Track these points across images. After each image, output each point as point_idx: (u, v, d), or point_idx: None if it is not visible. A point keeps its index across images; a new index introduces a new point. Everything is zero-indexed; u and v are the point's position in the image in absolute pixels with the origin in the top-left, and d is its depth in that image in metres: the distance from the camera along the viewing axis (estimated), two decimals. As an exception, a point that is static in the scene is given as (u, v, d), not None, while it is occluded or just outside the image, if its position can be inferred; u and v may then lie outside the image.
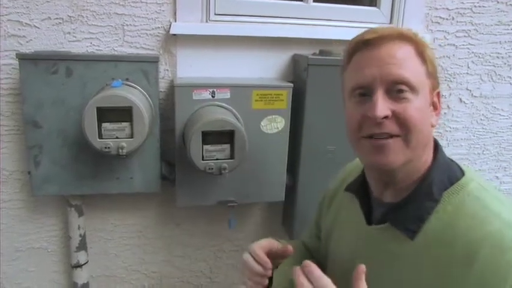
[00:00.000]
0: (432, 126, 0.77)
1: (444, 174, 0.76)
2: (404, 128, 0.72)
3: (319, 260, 1.09)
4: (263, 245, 0.88)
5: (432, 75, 0.76)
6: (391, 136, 0.73)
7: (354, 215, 0.89)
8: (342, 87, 0.84)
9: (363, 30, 0.78)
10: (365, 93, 0.75)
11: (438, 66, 0.80)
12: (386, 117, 0.72)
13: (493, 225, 0.67)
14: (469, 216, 0.69)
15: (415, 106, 0.72)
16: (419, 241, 0.73)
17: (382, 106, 0.72)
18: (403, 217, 0.76)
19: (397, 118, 0.72)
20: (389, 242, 0.79)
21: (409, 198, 0.77)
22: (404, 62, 0.73)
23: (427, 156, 0.78)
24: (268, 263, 0.86)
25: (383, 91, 0.73)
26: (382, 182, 0.81)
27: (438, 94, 0.79)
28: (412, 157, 0.74)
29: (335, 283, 1.00)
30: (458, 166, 0.80)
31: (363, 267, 0.65)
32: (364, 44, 0.76)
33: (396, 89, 0.72)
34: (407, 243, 0.74)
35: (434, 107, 0.78)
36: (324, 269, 1.05)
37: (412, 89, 0.72)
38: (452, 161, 0.81)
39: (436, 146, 0.81)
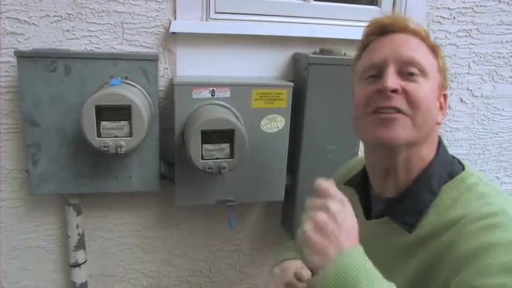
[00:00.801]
0: (437, 123, 0.78)
1: (444, 169, 0.77)
2: (412, 105, 0.73)
3: None
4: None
5: (443, 73, 0.78)
6: (399, 111, 0.74)
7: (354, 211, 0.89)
8: (353, 76, 0.85)
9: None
10: (376, 74, 0.77)
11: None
12: (395, 91, 0.73)
13: (484, 211, 0.67)
14: (464, 206, 0.70)
15: (425, 89, 0.74)
16: (417, 234, 0.74)
17: (393, 80, 0.73)
18: (402, 211, 0.77)
19: (407, 95, 0.73)
20: (388, 235, 0.79)
21: (408, 192, 0.77)
22: (417, 48, 0.76)
23: (429, 151, 0.78)
24: None
25: (394, 70, 0.75)
26: (384, 171, 0.81)
27: (445, 96, 0.80)
28: (417, 138, 0.75)
29: None
30: (460, 162, 0.80)
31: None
32: (381, 29, 0.79)
33: (407, 71, 0.74)
34: (406, 236, 0.75)
35: (440, 107, 0.79)
36: None
37: (423, 73, 0.74)
38: (454, 157, 0.81)
39: (439, 144, 0.81)
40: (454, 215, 0.69)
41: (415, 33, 0.78)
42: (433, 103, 0.76)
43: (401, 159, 0.77)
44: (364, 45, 0.82)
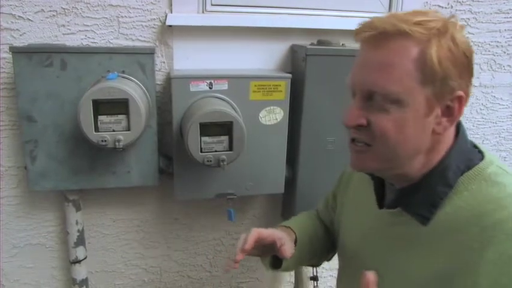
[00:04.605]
0: (436, 133, 0.70)
1: (462, 159, 0.72)
2: (377, 141, 0.70)
3: (333, 232, 1.08)
4: (260, 235, 0.87)
5: (441, 81, 0.66)
6: (364, 143, 0.72)
7: (368, 197, 0.88)
8: None
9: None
10: (353, 93, 0.74)
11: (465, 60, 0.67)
12: (360, 125, 0.70)
13: (509, 209, 0.64)
14: (485, 201, 0.67)
15: (396, 119, 0.67)
16: (432, 226, 0.72)
17: (353, 115, 0.70)
18: (416, 202, 0.74)
19: (373, 130, 0.70)
20: (401, 226, 0.77)
21: (421, 183, 0.74)
22: (390, 70, 0.66)
23: (430, 157, 0.73)
24: (246, 251, 0.84)
25: (361, 97, 0.71)
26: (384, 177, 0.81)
27: (460, 99, 0.68)
28: (393, 166, 0.72)
29: (343, 265, 0.99)
30: (479, 150, 0.76)
31: (372, 277, 0.61)
32: (363, 42, 0.71)
33: (376, 98, 0.68)
34: (420, 228, 0.73)
35: (449, 112, 0.69)
36: (335, 244, 1.04)
37: (395, 101, 0.67)
38: (475, 146, 0.77)
39: (458, 132, 0.76)
40: (476, 212, 0.66)
41: (400, 33, 0.66)
42: (410, 129, 0.68)
43: (391, 175, 0.76)
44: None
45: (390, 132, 0.68)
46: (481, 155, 0.75)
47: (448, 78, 0.66)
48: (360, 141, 0.73)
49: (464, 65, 0.68)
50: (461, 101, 0.68)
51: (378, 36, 0.67)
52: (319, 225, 1.10)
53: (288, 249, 0.89)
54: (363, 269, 0.86)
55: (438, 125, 0.70)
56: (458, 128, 0.76)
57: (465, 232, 0.66)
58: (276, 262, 0.98)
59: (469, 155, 0.74)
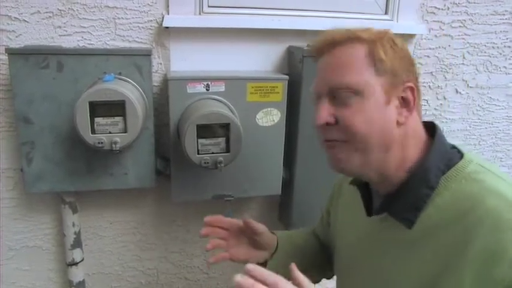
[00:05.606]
0: (399, 123, 0.75)
1: (441, 160, 0.74)
2: (347, 134, 0.74)
3: (329, 248, 1.09)
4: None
5: (391, 72, 0.74)
6: (336, 141, 0.76)
7: (357, 207, 0.90)
8: None
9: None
10: (319, 98, 0.79)
11: (415, 57, 0.78)
12: (329, 123, 0.75)
13: (490, 202, 0.65)
14: (466, 198, 0.68)
15: (360, 110, 0.73)
16: (417, 229, 0.73)
17: (323, 113, 0.75)
18: (400, 207, 0.76)
19: (341, 125, 0.74)
20: (388, 231, 0.79)
21: (405, 187, 0.76)
22: (346, 66, 0.74)
23: (405, 152, 0.76)
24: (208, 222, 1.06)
25: (328, 98, 0.76)
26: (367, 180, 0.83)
27: (412, 89, 0.76)
28: (369, 161, 0.75)
29: (341, 275, 1.00)
30: (459, 150, 0.78)
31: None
32: (318, 53, 0.80)
33: (339, 94, 0.74)
34: (406, 231, 0.75)
35: (405, 103, 0.75)
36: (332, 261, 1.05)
37: (356, 92, 0.73)
38: (454, 147, 0.79)
39: (435, 133, 0.79)
40: (457, 211, 0.68)
41: (350, 39, 0.75)
42: (377, 119, 0.73)
43: (371, 176, 0.78)
44: (314, 60, 0.84)
45: (357, 123, 0.73)
46: (460, 154, 0.76)
47: (397, 70, 0.74)
48: (328, 140, 0.77)
49: (408, 60, 0.77)
50: (413, 91, 0.76)
51: (330, 45, 0.77)
52: (311, 238, 1.13)
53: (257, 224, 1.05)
54: (358, 276, 0.88)
55: (400, 116, 0.75)
56: (434, 131, 0.79)
57: (448, 232, 0.68)
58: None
59: (448, 155, 0.76)
